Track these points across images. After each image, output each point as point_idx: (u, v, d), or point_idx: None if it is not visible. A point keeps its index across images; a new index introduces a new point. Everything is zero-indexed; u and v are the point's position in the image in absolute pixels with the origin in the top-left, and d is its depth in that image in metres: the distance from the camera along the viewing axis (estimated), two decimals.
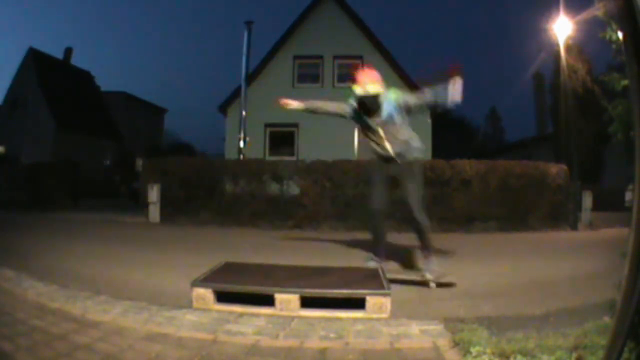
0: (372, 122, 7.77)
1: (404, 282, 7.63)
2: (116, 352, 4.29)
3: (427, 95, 7.72)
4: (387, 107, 7.68)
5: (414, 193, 7.94)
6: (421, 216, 7.98)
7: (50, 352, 4.26)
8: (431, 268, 7.76)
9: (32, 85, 51.75)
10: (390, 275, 7.62)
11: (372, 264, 7.86)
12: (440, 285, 7.50)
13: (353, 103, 7.93)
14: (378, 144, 7.89)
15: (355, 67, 7.97)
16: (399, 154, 7.81)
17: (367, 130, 7.96)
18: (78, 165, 33.34)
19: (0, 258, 8.93)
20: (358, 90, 7.59)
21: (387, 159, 7.88)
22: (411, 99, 7.82)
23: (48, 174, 28.81)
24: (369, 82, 7.58)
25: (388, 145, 7.78)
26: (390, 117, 7.70)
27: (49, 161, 37.87)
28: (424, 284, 7.58)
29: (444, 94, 7.49)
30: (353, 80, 7.71)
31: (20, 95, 53.24)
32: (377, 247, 8.32)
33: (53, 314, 5.43)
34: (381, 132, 7.75)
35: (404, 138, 7.83)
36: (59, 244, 12.23)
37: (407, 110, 7.77)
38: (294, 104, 8.43)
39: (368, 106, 7.68)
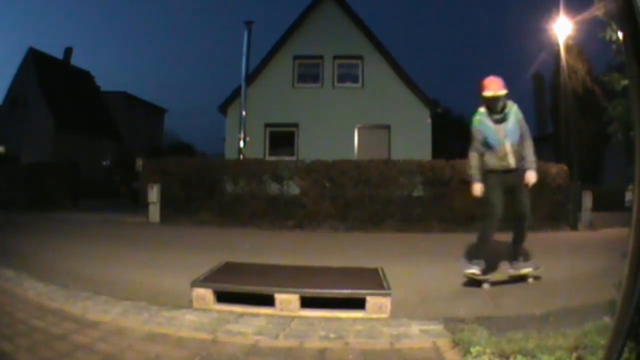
0: (498, 134, 7.91)
1: (505, 282, 7.94)
2: (116, 352, 4.31)
3: (531, 152, 7.94)
4: (512, 120, 7.90)
5: (526, 199, 8.01)
6: (528, 220, 8.13)
7: (50, 352, 4.26)
8: (524, 264, 8.20)
9: (32, 85, 51.53)
10: (495, 277, 7.90)
11: (475, 269, 7.83)
12: (536, 278, 7.99)
13: (479, 117, 8.11)
14: (499, 158, 7.96)
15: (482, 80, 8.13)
16: (517, 167, 7.94)
17: (488, 147, 8.05)
18: (78, 165, 33.31)
19: (0, 258, 8.94)
20: (487, 92, 7.82)
21: (505, 171, 7.96)
22: (525, 128, 8.06)
23: (48, 174, 28.73)
24: (495, 87, 7.82)
25: (511, 159, 7.91)
26: (514, 131, 7.89)
27: (49, 161, 37.81)
28: (523, 279, 7.97)
29: (530, 166, 7.80)
30: (481, 87, 7.93)
31: (20, 95, 53.00)
32: (482, 251, 8.22)
33: (53, 314, 5.44)
34: (507, 145, 7.88)
35: (522, 154, 7.98)
36: (58, 244, 12.23)
37: (520, 133, 7.97)
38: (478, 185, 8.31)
39: (494, 109, 7.90)
